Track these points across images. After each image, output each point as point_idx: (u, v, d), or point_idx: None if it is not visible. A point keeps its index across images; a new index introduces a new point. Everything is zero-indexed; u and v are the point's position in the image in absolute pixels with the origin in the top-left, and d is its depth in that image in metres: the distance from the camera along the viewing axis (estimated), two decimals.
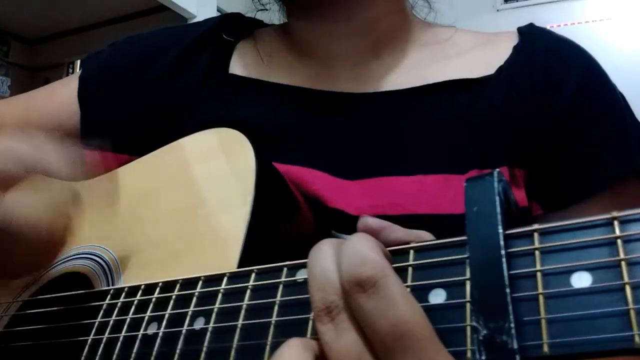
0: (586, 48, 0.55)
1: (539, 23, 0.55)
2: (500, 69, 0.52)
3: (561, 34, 0.54)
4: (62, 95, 0.64)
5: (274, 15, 0.64)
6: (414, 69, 0.56)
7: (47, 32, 2.60)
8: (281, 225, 0.45)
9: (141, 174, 0.52)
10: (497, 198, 0.28)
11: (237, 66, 0.60)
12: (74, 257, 0.49)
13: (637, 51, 2.30)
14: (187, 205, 0.45)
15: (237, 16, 0.66)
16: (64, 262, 0.50)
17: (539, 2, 2.50)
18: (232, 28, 0.63)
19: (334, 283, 0.28)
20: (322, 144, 0.53)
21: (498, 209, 0.28)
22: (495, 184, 0.29)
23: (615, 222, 0.26)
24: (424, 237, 0.32)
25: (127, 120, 0.61)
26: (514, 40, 0.55)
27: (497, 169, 0.30)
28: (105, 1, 2.32)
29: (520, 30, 0.56)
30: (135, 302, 0.40)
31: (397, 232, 0.32)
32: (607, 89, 0.52)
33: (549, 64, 0.52)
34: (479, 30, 0.60)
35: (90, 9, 2.37)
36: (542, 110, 0.50)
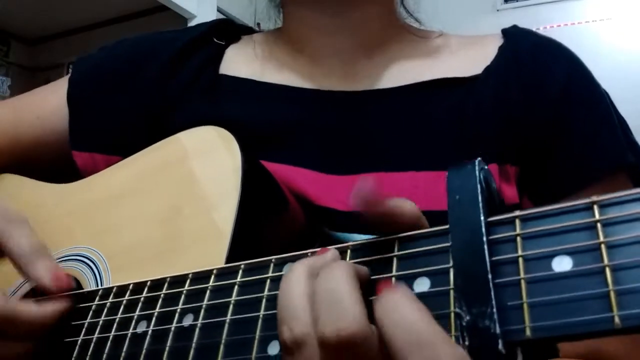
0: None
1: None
2: (488, 69, 0.53)
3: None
4: (51, 100, 0.64)
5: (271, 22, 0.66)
6: (404, 68, 0.56)
7: (47, 32, 2.58)
8: (269, 223, 0.45)
9: (127, 174, 0.52)
10: (479, 186, 0.28)
11: (227, 67, 0.61)
12: (62, 259, 0.49)
13: (637, 51, 2.31)
14: (173, 204, 0.45)
15: (228, 22, 0.66)
16: None
17: (539, 2, 2.50)
18: (223, 32, 0.64)
19: (301, 319, 0.27)
20: (312, 142, 0.53)
21: (479, 197, 0.28)
22: (477, 173, 0.29)
23: (595, 207, 0.26)
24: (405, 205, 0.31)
25: (117, 122, 0.61)
26: (498, 41, 0.56)
27: (479, 158, 0.30)
28: (105, 1, 2.31)
29: (505, 32, 0.57)
30: (124, 301, 0.40)
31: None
32: (591, 85, 0.53)
33: (534, 62, 0.52)
34: (479, 30, 0.62)
35: (90, 9, 2.36)
36: (530, 107, 0.51)
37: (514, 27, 0.57)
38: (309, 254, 0.33)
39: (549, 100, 0.51)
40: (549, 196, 0.50)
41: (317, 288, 0.27)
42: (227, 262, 0.38)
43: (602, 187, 0.49)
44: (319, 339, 0.26)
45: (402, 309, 0.26)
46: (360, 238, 0.47)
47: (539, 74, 0.52)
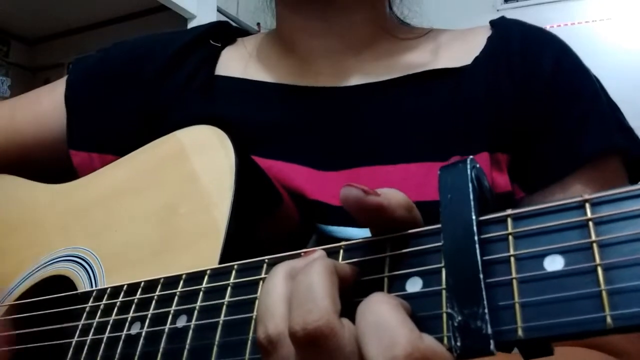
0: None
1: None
2: (477, 59, 0.54)
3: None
4: (49, 100, 0.64)
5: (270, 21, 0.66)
6: (393, 62, 0.57)
7: (47, 32, 2.59)
8: (264, 220, 0.45)
9: (121, 174, 0.51)
10: (471, 185, 0.28)
11: (223, 68, 0.61)
12: (56, 260, 0.49)
13: (637, 51, 2.31)
14: (167, 204, 0.45)
15: (225, 24, 0.67)
16: (46, 265, 0.50)
17: (539, 2, 2.50)
18: (219, 35, 0.65)
19: (276, 318, 0.27)
20: (304, 138, 0.54)
21: (471, 196, 0.28)
22: (469, 171, 0.29)
23: (587, 205, 0.26)
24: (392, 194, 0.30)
25: (114, 123, 0.61)
26: (487, 32, 0.56)
27: (471, 156, 0.29)
28: (105, 1, 2.32)
29: (493, 23, 0.57)
30: (118, 303, 0.40)
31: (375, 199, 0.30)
32: (581, 71, 0.53)
33: (524, 50, 0.53)
34: None
35: (90, 9, 2.37)
36: (520, 95, 0.51)
37: (502, 18, 0.58)
38: (302, 254, 0.33)
39: (538, 89, 0.51)
40: (539, 182, 0.51)
41: (294, 286, 0.27)
42: (221, 261, 0.38)
43: (592, 171, 0.50)
44: (290, 334, 0.26)
45: (377, 304, 0.25)
46: (353, 232, 0.47)
47: (528, 62, 0.52)
